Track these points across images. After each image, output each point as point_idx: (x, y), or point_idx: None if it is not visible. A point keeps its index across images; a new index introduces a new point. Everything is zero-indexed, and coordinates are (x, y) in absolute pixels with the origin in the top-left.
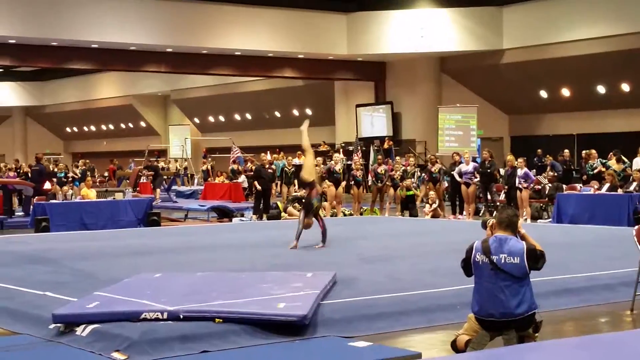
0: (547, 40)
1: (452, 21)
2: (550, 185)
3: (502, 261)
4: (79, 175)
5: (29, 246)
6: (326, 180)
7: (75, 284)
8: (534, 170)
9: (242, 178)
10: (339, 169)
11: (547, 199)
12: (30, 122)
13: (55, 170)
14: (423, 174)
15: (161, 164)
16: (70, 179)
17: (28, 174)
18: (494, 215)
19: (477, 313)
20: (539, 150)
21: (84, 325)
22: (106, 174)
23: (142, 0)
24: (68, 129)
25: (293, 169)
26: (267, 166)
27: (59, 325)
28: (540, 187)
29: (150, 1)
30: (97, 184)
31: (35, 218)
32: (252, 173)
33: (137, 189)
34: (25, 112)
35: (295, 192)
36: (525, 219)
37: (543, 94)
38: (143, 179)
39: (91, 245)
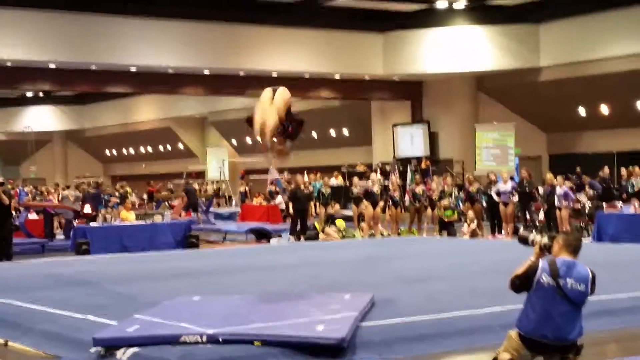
0: (584, 57)
1: (489, 39)
2: (590, 203)
3: (569, 286)
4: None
5: (70, 269)
6: (364, 201)
7: (115, 307)
8: (574, 189)
9: (279, 199)
10: (377, 190)
11: (587, 218)
12: (70, 145)
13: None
14: (461, 194)
15: (195, 185)
16: (111, 202)
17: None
18: (537, 232)
19: (527, 332)
20: (578, 169)
21: (124, 349)
22: (145, 196)
23: (179, 24)
24: (107, 152)
25: (330, 190)
26: (303, 187)
27: (99, 348)
28: (580, 205)
29: (187, 24)
30: (136, 206)
31: (75, 241)
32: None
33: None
34: (65, 135)
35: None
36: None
37: (581, 111)
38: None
39: (131, 268)
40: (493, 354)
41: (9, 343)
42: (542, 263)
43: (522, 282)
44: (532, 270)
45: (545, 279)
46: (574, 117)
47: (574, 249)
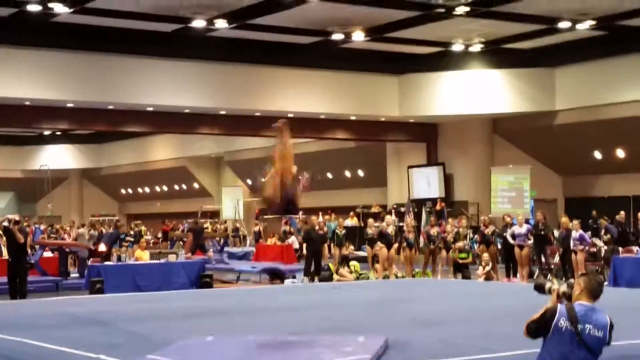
0: (600, 101)
1: (504, 82)
2: (606, 247)
3: (587, 332)
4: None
5: (84, 308)
6: (378, 242)
7: (128, 346)
8: (589, 233)
9: (292, 239)
10: (391, 231)
11: (603, 262)
12: (86, 183)
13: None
14: (476, 236)
15: (207, 225)
16: (126, 242)
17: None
18: (548, 277)
19: None
20: (594, 212)
21: None
22: (159, 235)
23: (196, 64)
24: (123, 191)
25: (344, 231)
26: (317, 228)
27: None
28: (595, 249)
29: (205, 65)
30: (151, 245)
31: (90, 280)
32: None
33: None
34: (81, 174)
35: (346, 253)
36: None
37: (597, 155)
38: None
39: (145, 307)
40: None
41: None
42: (561, 307)
43: (539, 327)
44: (550, 313)
45: (564, 323)
46: (590, 161)
47: (596, 293)
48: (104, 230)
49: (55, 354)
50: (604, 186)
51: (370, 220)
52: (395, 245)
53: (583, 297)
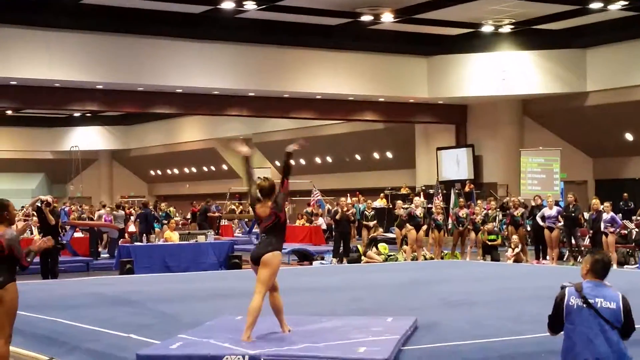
0: (632, 82)
1: (535, 64)
2: (637, 230)
3: (599, 305)
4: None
5: (114, 288)
6: (407, 224)
7: (158, 326)
8: (620, 215)
9: (320, 220)
10: (420, 213)
11: (634, 244)
12: (116, 165)
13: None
14: (504, 218)
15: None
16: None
17: (129, 216)
18: (578, 259)
19: None
20: (625, 194)
21: None
22: (189, 215)
23: (225, 46)
24: (152, 172)
25: (373, 212)
26: (345, 209)
27: None
28: (626, 232)
29: (233, 47)
30: (180, 226)
31: (120, 260)
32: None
33: (219, 231)
34: (111, 155)
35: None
36: (612, 265)
37: (629, 136)
38: (224, 222)
39: (174, 287)
40: None
41: None
42: (569, 288)
43: (555, 315)
44: (559, 297)
45: (574, 300)
46: (621, 143)
47: (601, 271)
48: (133, 212)
49: (87, 333)
50: (635, 168)
51: (399, 202)
52: (424, 227)
53: (590, 276)
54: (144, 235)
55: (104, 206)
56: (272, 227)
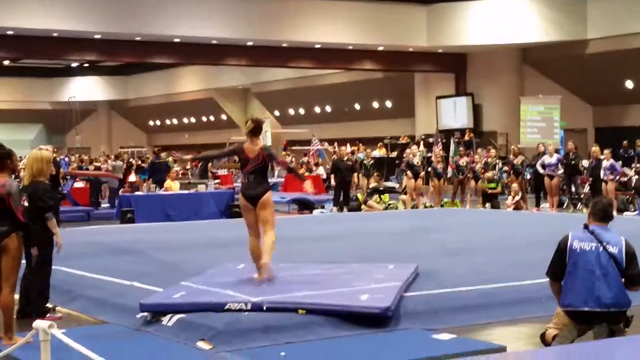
0: (633, 29)
1: (535, 11)
2: (637, 177)
3: (605, 245)
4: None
5: (115, 237)
6: (406, 172)
7: (160, 274)
8: (620, 162)
9: (320, 169)
10: (417, 162)
11: (633, 191)
12: (115, 115)
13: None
14: (504, 166)
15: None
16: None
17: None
18: (578, 207)
19: (569, 305)
20: (625, 142)
21: (170, 315)
22: (188, 166)
23: None
24: (151, 122)
25: (372, 161)
26: (345, 158)
27: (145, 314)
28: (626, 179)
29: None
30: (180, 176)
31: (120, 210)
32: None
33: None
34: (109, 105)
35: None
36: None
37: (629, 84)
38: (224, 171)
39: (175, 236)
40: (537, 325)
41: (57, 308)
42: (572, 232)
43: (557, 258)
44: (562, 242)
45: (577, 244)
46: (621, 90)
47: (603, 216)
48: (133, 162)
49: (89, 280)
50: (635, 116)
51: (408, 150)
52: (422, 174)
53: (592, 220)
54: (156, 186)
55: (107, 157)
56: (260, 168)
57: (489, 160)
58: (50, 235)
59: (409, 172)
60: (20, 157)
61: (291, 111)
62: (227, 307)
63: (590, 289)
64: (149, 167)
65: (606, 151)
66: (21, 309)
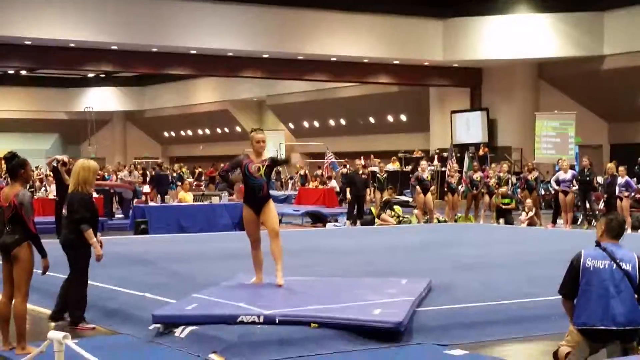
0: None
1: (551, 26)
2: None
3: (615, 266)
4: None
5: (129, 248)
6: (416, 188)
7: (173, 285)
8: (635, 179)
9: (333, 182)
10: (427, 177)
11: None
12: (130, 126)
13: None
14: (517, 182)
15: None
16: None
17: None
18: (592, 223)
19: (583, 324)
20: None
21: (182, 327)
22: (203, 178)
23: (239, 7)
24: (166, 134)
25: (385, 175)
26: (360, 172)
27: (158, 325)
28: None
29: (248, 8)
30: (194, 187)
31: (134, 220)
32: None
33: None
34: (125, 116)
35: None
36: (626, 229)
37: None
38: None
39: (188, 248)
40: (550, 342)
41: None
42: (584, 251)
43: (570, 276)
44: (575, 260)
45: (590, 262)
46: (637, 107)
47: (617, 233)
48: (147, 173)
49: (102, 291)
50: None
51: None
52: (432, 189)
53: (605, 238)
54: (159, 196)
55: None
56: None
57: (501, 175)
58: (87, 244)
59: (417, 187)
60: (37, 166)
61: (305, 124)
62: (239, 319)
63: (605, 307)
64: (153, 179)
65: (621, 168)
66: (55, 313)
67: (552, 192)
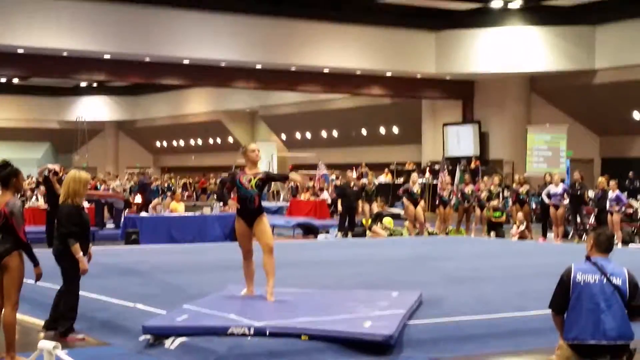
0: None
1: (543, 40)
2: None
3: (605, 281)
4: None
5: (120, 258)
6: (404, 199)
7: (164, 296)
8: (626, 193)
9: (325, 194)
10: (417, 190)
11: (639, 223)
12: (122, 136)
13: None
14: (508, 196)
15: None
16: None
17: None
18: (583, 238)
19: (573, 339)
20: (631, 173)
21: (172, 338)
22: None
23: (232, 18)
24: (158, 143)
25: (374, 188)
26: (352, 184)
27: (148, 337)
28: (632, 210)
29: (241, 18)
30: (185, 198)
31: (125, 231)
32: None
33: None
34: (117, 126)
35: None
36: (617, 244)
37: (636, 115)
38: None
39: (180, 258)
40: (541, 356)
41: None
42: (575, 265)
43: (560, 291)
44: (565, 275)
45: (581, 277)
46: (628, 121)
47: (606, 247)
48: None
49: (92, 302)
50: None
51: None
52: (422, 203)
53: (595, 252)
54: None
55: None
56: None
57: (492, 188)
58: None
59: (405, 200)
60: (28, 175)
61: (298, 135)
62: (230, 331)
63: (596, 322)
64: (137, 187)
65: (612, 182)
66: (49, 322)
67: (539, 205)
